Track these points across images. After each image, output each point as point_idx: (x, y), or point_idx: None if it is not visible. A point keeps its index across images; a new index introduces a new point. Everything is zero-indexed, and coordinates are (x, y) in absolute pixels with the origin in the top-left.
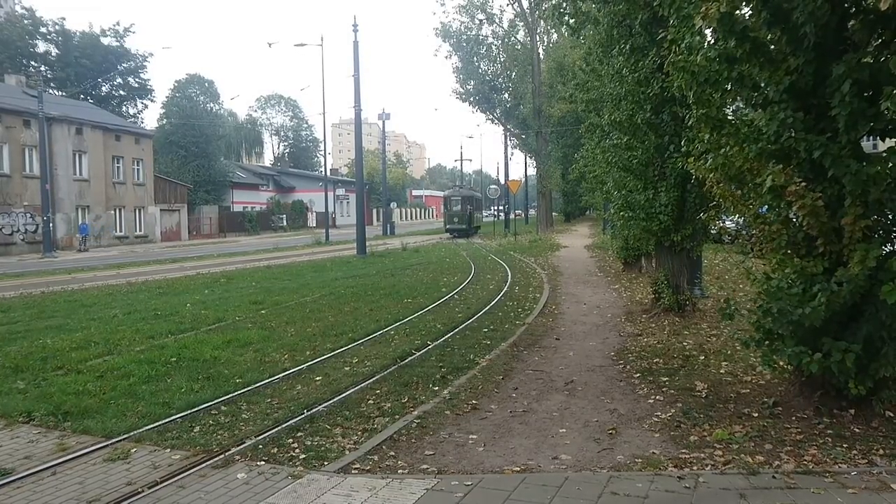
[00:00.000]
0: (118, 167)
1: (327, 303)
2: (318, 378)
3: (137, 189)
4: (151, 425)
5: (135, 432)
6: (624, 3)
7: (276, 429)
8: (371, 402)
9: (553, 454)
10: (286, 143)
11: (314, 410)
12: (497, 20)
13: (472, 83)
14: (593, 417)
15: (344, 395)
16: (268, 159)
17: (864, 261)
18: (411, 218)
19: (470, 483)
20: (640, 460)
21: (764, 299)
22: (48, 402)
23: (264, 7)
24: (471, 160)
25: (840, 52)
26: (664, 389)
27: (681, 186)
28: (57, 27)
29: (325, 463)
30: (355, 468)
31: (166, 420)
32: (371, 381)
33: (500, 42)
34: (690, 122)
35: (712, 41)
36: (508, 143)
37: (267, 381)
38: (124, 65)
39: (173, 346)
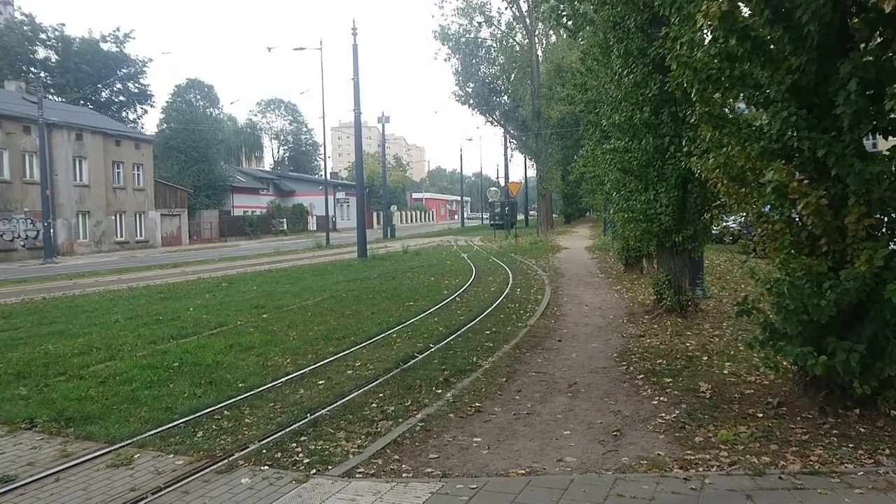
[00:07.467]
0: (118, 172)
1: (329, 306)
2: (320, 382)
3: (138, 194)
4: (154, 430)
5: (138, 438)
6: (621, 5)
7: (280, 433)
8: (374, 405)
9: (558, 456)
10: (286, 147)
11: (317, 414)
12: (496, 22)
13: (472, 85)
14: (597, 419)
15: (347, 398)
16: (268, 163)
17: (871, 260)
18: (412, 221)
19: (475, 486)
20: (645, 462)
21: (774, 297)
22: (50, 408)
23: (263, 12)
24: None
25: (842, 51)
26: (668, 390)
27: (681, 187)
28: (57, 33)
29: (330, 467)
30: (359, 472)
31: (169, 425)
32: (374, 384)
33: (498, 44)
34: (693, 120)
35: (713, 39)
36: (508, 145)
37: (269, 385)
38: (124, 70)
39: (175, 350)
